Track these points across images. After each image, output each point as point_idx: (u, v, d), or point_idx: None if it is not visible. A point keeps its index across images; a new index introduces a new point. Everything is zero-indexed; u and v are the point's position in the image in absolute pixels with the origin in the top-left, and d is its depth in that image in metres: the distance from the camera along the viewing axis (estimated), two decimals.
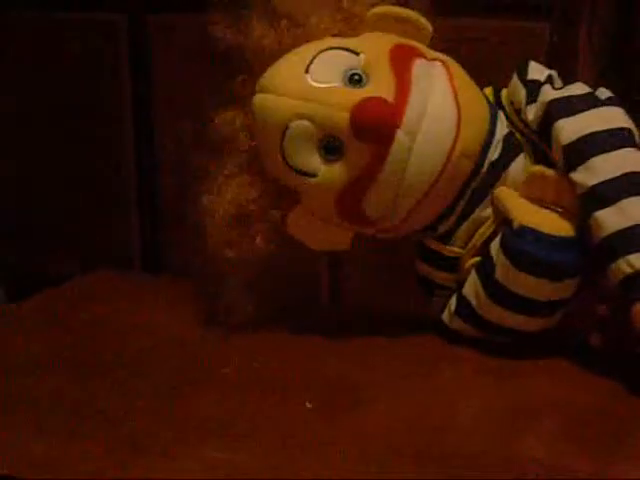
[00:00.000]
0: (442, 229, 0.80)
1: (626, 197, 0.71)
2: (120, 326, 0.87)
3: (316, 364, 0.78)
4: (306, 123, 0.76)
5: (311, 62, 0.77)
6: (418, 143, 0.74)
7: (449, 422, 0.68)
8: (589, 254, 0.73)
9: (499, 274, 0.76)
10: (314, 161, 0.77)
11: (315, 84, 0.76)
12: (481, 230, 0.79)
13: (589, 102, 0.76)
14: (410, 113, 0.74)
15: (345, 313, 0.94)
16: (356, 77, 0.76)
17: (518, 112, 0.79)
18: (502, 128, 0.80)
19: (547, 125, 0.76)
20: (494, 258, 0.76)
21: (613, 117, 0.75)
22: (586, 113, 0.75)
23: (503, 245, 0.76)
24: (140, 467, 0.61)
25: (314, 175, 0.77)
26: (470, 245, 0.80)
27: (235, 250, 0.81)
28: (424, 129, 0.74)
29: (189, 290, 0.93)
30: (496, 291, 0.76)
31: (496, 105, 0.81)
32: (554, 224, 0.74)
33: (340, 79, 0.76)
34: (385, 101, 0.74)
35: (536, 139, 0.78)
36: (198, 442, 0.64)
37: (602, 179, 0.72)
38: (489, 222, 0.79)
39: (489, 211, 0.79)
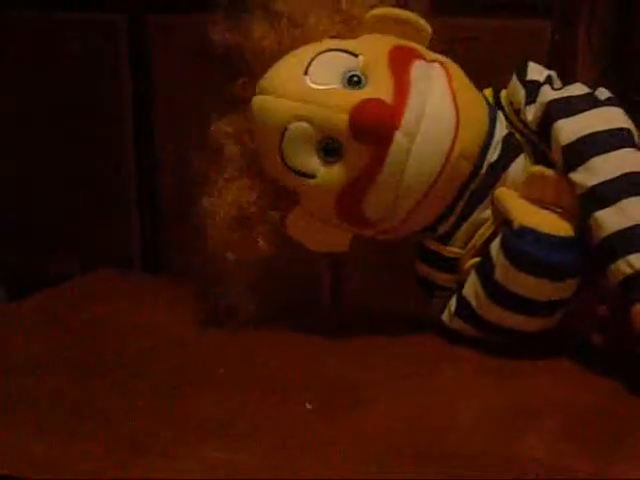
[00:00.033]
0: (442, 230, 0.80)
1: (626, 197, 0.71)
2: (120, 326, 0.87)
3: (316, 364, 0.78)
4: (305, 125, 0.76)
5: (310, 64, 0.77)
6: (417, 144, 0.74)
7: (449, 422, 0.68)
8: (589, 254, 0.73)
9: (499, 274, 0.76)
10: (313, 162, 0.77)
11: (314, 86, 0.76)
12: (481, 231, 0.79)
13: (588, 102, 0.76)
14: (408, 114, 0.74)
15: (345, 313, 0.94)
16: (355, 79, 0.76)
17: (517, 113, 0.79)
18: (501, 129, 0.80)
19: (546, 125, 0.76)
20: (494, 258, 0.76)
21: (612, 117, 0.75)
22: (585, 113, 0.75)
23: (503, 245, 0.76)
24: (140, 467, 0.61)
25: (313, 176, 0.77)
26: (470, 245, 0.80)
27: (236, 252, 0.81)
28: (422, 130, 0.74)
29: (189, 290, 0.93)
30: (496, 291, 0.76)
31: (495, 106, 0.81)
32: (554, 224, 0.74)
33: (339, 81, 0.76)
34: (383, 103, 0.74)
35: (536, 139, 0.78)
36: (198, 442, 0.64)
37: (602, 179, 0.72)
38: (489, 223, 0.79)
39: (489, 212, 0.79)
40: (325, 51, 0.78)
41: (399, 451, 0.63)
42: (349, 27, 0.81)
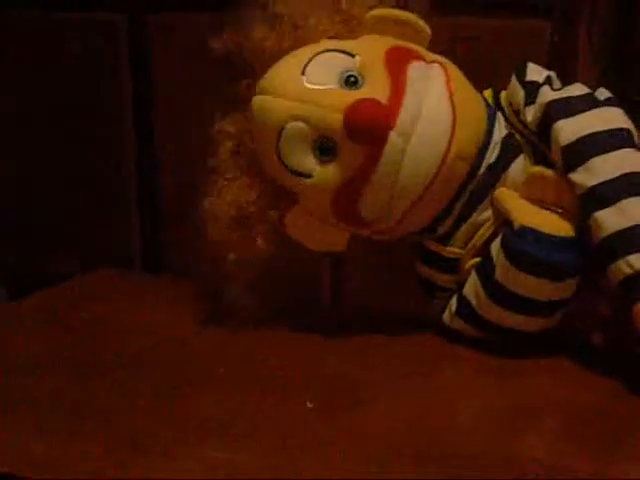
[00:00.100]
0: (441, 230, 0.80)
1: (626, 197, 0.71)
2: (120, 326, 0.87)
3: (316, 363, 0.78)
4: (301, 124, 0.76)
5: (307, 64, 0.78)
6: (412, 145, 0.74)
7: (449, 422, 0.68)
8: (589, 254, 0.73)
9: (499, 274, 0.76)
10: (309, 162, 0.77)
11: (310, 86, 0.77)
12: (481, 231, 0.79)
13: (588, 103, 0.76)
14: (404, 115, 0.74)
15: (346, 313, 0.94)
16: (352, 79, 0.76)
17: (517, 113, 0.79)
18: (500, 130, 0.80)
19: (546, 126, 0.76)
20: (494, 259, 0.76)
21: (612, 118, 0.75)
22: (585, 114, 0.75)
23: (503, 246, 0.76)
24: (140, 467, 0.61)
25: (309, 176, 0.77)
26: (470, 246, 0.80)
27: (236, 251, 0.81)
28: (418, 131, 0.74)
29: (189, 290, 0.93)
30: (496, 291, 0.76)
31: (495, 107, 0.81)
32: (554, 224, 0.74)
33: (336, 81, 0.77)
34: (378, 103, 0.74)
35: (535, 140, 0.78)
36: (198, 442, 0.64)
37: (601, 180, 0.71)
38: (489, 223, 0.79)
39: (489, 213, 0.79)
40: (323, 51, 0.78)
41: (399, 451, 0.63)
42: (349, 27, 0.81)
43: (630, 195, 0.71)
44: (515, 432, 0.66)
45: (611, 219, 0.71)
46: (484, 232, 0.79)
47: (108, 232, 1.09)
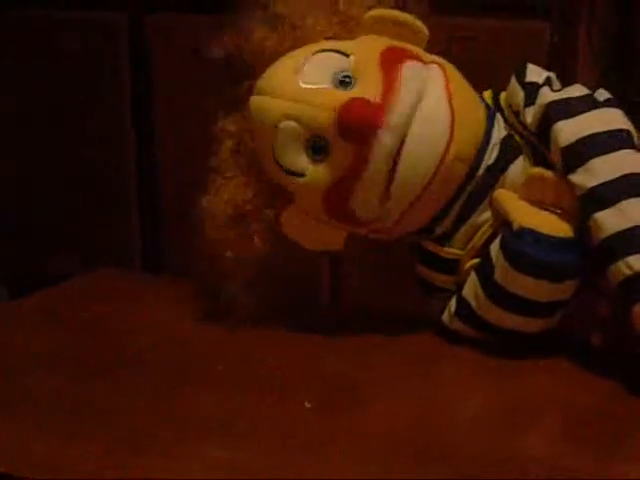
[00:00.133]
0: (439, 231, 0.80)
1: (625, 198, 0.70)
2: (120, 326, 0.87)
3: (316, 363, 0.78)
4: (293, 124, 0.77)
5: (303, 65, 0.78)
6: (409, 145, 0.74)
7: (449, 422, 0.68)
8: (588, 255, 0.73)
9: (498, 275, 0.76)
10: (302, 161, 0.77)
11: (304, 86, 0.77)
12: (480, 232, 0.79)
13: (588, 104, 0.76)
14: (394, 114, 0.74)
15: (345, 312, 0.94)
16: (346, 79, 0.77)
17: (517, 114, 0.79)
18: (500, 131, 0.80)
19: (546, 127, 0.76)
20: (493, 259, 0.76)
21: (612, 119, 0.75)
22: (585, 115, 0.75)
23: (503, 246, 0.76)
24: (140, 467, 0.61)
25: (302, 175, 0.78)
26: (469, 246, 0.80)
27: (233, 250, 0.82)
28: (416, 131, 0.74)
29: (189, 290, 0.93)
30: (495, 292, 0.76)
31: (495, 108, 0.81)
32: (553, 225, 0.74)
33: (330, 81, 0.77)
34: (368, 102, 0.74)
35: (535, 141, 0.78)
36: (198, 442, 0.64)
37: (601, 181, 0.71)
38: (488, 224, 0.79)
39: (488, 214, 0.79)
40: (318, 52, 0.79)
41: (399, 451, 0.63)
42: (347, 28, 0.81)
43: (630, 196, 0.71)
44: (515, 432, 0.66)
45: (611, 220, 0.71)
46: (483, 233, 0.79)
47: (108, 232, 1.09)
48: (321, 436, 0.65)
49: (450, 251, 0.81)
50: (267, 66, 0.80)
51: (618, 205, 0.70)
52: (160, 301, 0.93)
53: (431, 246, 0.81)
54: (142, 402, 0.71)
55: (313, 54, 0.79)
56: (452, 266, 0.81)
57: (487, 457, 0.62)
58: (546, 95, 0.76)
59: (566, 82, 0.79)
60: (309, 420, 0.68)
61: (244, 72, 0.82)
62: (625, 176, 0.71)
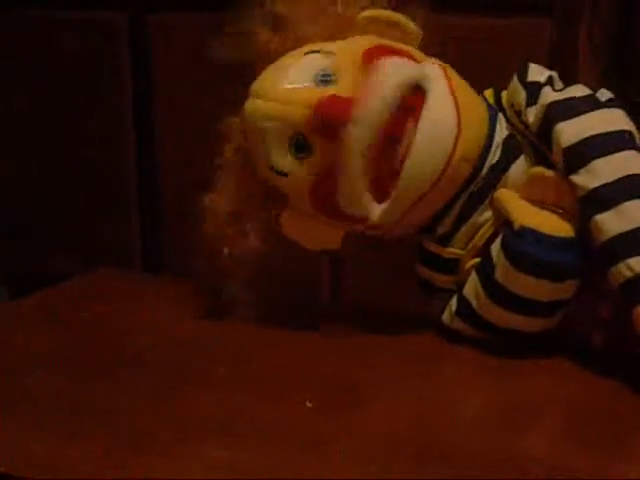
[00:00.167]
0: (440, 231, 0.80)
1: (626, 200, 0.70)
2: (120, 326, 0.87)
3: (316, 363, 0.78)
4: (277, 124, 0.78)
5: (291, 66, 0.79)
6: (416, 145, 0.74)
7: (449, 421, 0.68)
8: (589, 255, 0.73)
9: (499, 275, 0.76)
10: (287, 161, 0.78)
11: (287, 86, 0.78)
12: (481, 231, 0.79)
13: (589, 104, 0.75)
14: (365, 108, 0.75)
15: (345, 311, 0.94)
16: (326, 78, 0.78)
17: (518, 114, 0.79)
18: (502, 131, 0.80)
19: (547, 128, 0.76)
20: (494, 259, 0.76)
21: (614, 119, 0.75)
22: (586, 115, 0.74)
23: (504, 246, 0.75)
24: (140, 467, 0.61)
25: (288, 174, 0.79)
26: (470, 246, 0.80)
27: (230, 247, 0.82)
28: (424, 130, 0.74)
29: (189, 290, 0.93)
30: (496, 292, 0.76)
31: (497, 107, 0.81)
32: (555, 225, 0.74)
33: (312, 80, 0.78)
34: (340, 98, 0.75)
35: (536, 141, 0.78)
36: (198, 442, 0.64)
37: (603, 182, 0.71)
38: (489, 224, 0.79)
39: (489, 214, 0.79)
40: (307, 53, 0.80)
41: (399, 450, 0.63)
42: (342, 29, 0.82)
43: (631, 198, 0.70)
44: (515, 432, 0.66)
45: (612, 222, 0.70)
46: (484, 232, 0.79)
47: (108, 232, 1.09)
48: (321, 436, 0.65)
49: (451, 251, 0.80)
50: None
51: (619, 207, 0.70)
52: (160, 301, 0.93)
53: (432, 247, 0.81)
54: (142, 402, 0.71)
55: (301, 56, 0.80)
56: (453, 266, 0.81)
57: (487, 457, 0.62)
58: (548, 95, 0.76)
59: (566, 81, 0.79)
60: (309, 420, 0.68)
61: (242, 71, 0.82)
62: (626, 177, 0.71)
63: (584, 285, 0.75)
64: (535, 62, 0.80)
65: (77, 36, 1.06)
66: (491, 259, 0.77)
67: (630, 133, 0.74)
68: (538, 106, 0.76)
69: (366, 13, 0.82)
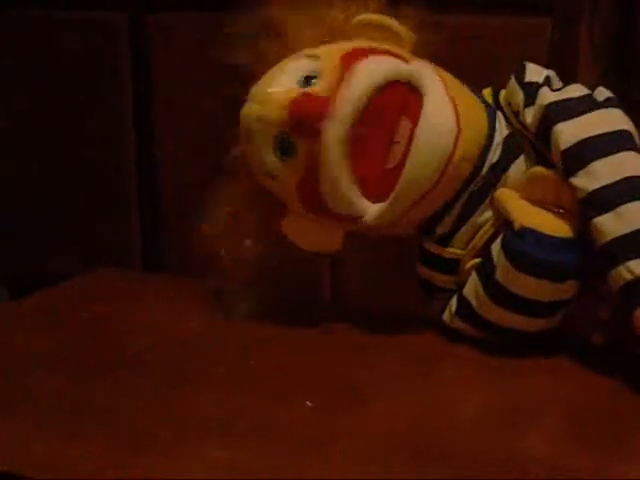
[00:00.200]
0: (440, 231, 0.80)
1: (626, 202, 0.70)
2: (120, 326, 0.87)
3: (316, 363, 0.78)
4: (262, 126, 0.79)
5: (280, 70, 0.80)
6: (415, 145, 0.74)
7: (449, 421, 0.68)
8: (590, 255, 0.73)
9: (499, 275, 0.76)
10: (275, 162, 0.79)
11: (273, 89, 0.79)
12: (482, 231, 0.79)
13: (587, 104, 0.75)
14: (339, 104, 0.75)
15: (346, 312, 0.94)
16: (309, 79, 0.78)
17: (516, 114, 0.79)
18: (502, 130, 0.80)
19: (546, 129, 0.75)
20: (495, 259, 0.76)
21: (612, 119, 0.75)
22: (584, 116, 0.74)
23: (504, 246, 0.75)
24: (140, 467, 0.61)
25: (276, 175, 0.79)
26: (470, 246, 0.80)
27: (230, 249, 0.83)
28: (423, 130, 0.74)
29: (189, 290, 0.93)
30: (497, 292, 0.76)
31: (495, 106, 0.81)
32: (555, 225, 0.74)
33: (296, 82, 0.79)
34: (313, 95, 0.76)
35: (535, 142, 0.78)
36: (198, 442, 0.64)
37: (602, 184, 0.71)
38: (489, 224, 0.79)
39: (489, 214, 0.79)
40: (296, 58, 0.81)
41: (399, 450, 0.63)
42: (337, 33, 0.83)
43: (631, 199, 0.70)
44: (515, 432, 0.66)
45: (611, 224, 0.70)
46: (485, 232, 0.79)
47: (108, 232, 1.09)
48: (321, 436, 0.65)
49: (451, 251, 0.80)
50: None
51: (619, 209, 0.70)
52: (160, 301, 0.93)
53: (433, 247, 0.81)
54: (142, 402, 0.71)
55: (291, 61, 0.81)
56: (453, 266, 0.81)
57: (487, 457, 0.62)
58: (545, 96, 0.76)
59: (566, 81, 0.79)
60: (309, 420, 0.68)
61: (242, 71, 0.83)
62: (626, 179, 0.71)
63: (584, 285, 0.75)
64: (535, 62, 0.80)
65: (77, 36, 1.07)
66: (491, 259, 0.77)
67: (629, 133, 0.74)
68: (536, 107, 0.76)
69: (360, 18, 0.82)
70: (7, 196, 1.13)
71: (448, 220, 0.80)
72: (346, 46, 0.80)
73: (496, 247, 0.77)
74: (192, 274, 0.96)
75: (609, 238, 0.70)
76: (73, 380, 0.74)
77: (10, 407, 0.70)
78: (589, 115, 0.74)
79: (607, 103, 0.76)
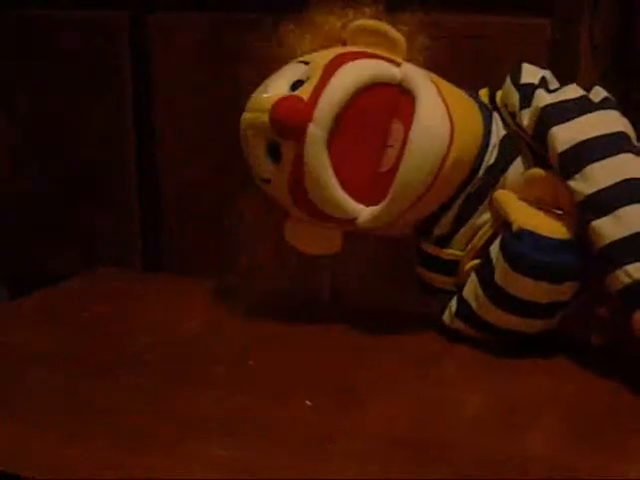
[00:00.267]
0: (437, 232, 0.80)
1: (623, 205, 0.70)
2: (120, 325, 0.87)
3: (316, 362, 0.78)
4: (254, 131, 0.80)
5: (273, 78, 0.81)
6: (409, 150, 0.74)
7: (449, 421, 0.68)
8: (588, 257, 0.73)
9: (498, 277, 0.76)
10: (267, 167, 0.80)
11: (265, 95, 0.80)
12: (480, 232, 0.79)
13: (583, 106, 0.75)
14: (319, 107, 0.76)
15: (345, 312, 0.94)
16: (297, 84, 0.79)
17: (513, 115, 0.79)
18: (499, 131, 0.80)
19: (542, 131, 0.75)
20: (494, 261, 0.76)
21: (608, 121, 0.74)
22: (580, 118, 0.74)
23: (502, 248, 0.75)
24: (140, 467, 0.61)
25: (269, 180, 0.80)
26: (469, 247, 0.80)
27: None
28: (415, 137, 0.74)
29: (189, 290, 0.93)
30: (496, 293, 0.76)
31: (492, 107, 0.81)
32: (553, 227, 0.74)
33: (286, 89, 0.79)
34: (297, 99, 0.77)
35: (532, 143, 0.78)
36: (198, 442, 0.64)
37: (600, 187, 0.71)
38: (488, 225, 0.79)
39: (488, 215, 0.79)
40: (292, 64, 0.81)
41: (398, 450, 0.63)
42: (333, 40, 0.83)
43: (628, 202, 0.70)
44: (514, 432, 0.66)
45: (609, 228, 0.70)
46: (484, 234, 0.79)
47: (108, 232, 1.09)
48: (321, 436, 0.65)
49: (450, 252, 0.80)
50: None
51: (617, 212, 0.70)
52: (160, 301, 0.93)
53: (430, 248, 0.81)
54: (142, 402, 0.71)
55: (285, 69, 0.81)
56: (452, 267, 0.81)
57: (487, 457, 0.62)
58: (541, 98, 0.76)
59: (566, 81, 0.78)
60: (309, 420, 0.68)
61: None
62: (624, 181, 0.71)
63: (583, 286, 0.75)
64: (534, 63, 0.80)
65: (77, 36, 1.07)
66: (490, 261, 0.77)
67: (625, 135, 0.74)
68: (532, 109, 0.76)
69: (354, 24, 0.83)
70: (7, 196, 1.13)
71: (445, 221, 0.80)
72: (338, 51, 0.81)
73: (495, 248, 0.77)
74: (192, 274, 0.96)
75: (607, 241, 0.70)
76: (73, 380, 0.74)
77: (10, 407, 0.70)
78: (585, 117, 0.74)
79: (603, 104, 0.76)
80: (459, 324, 0.80)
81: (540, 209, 0.75)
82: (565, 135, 0.73)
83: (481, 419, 0.69)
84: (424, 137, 0.74)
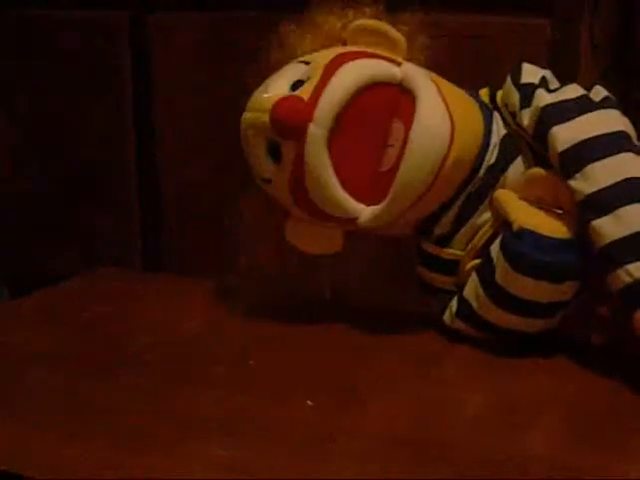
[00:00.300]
0: (437, 232, 0.80)
1: (623, 205, 0.70)
2: (120, 325, 0.87)
3: (316, 362, 0.78)
4: (254, 131, 0.80)
5: (273, 78, 0.81)
6: (410, 150, 0.74)
7: (449, 421, 0.68)
8: (589, 256, 0.73)
9: (499, 276, 0.76)
10: (268, 167, 0.80)
11: (265, 95, 0.80)
12: (481, 232, 0.79)
13: (584, 106, 0.75)
14: (319, 107, 0.76)
15: (345, 311, 0.94)
16: (297, 84, 0.79)
17: (513, 115, 0.79)
18: (499, 131, 0.80)
19: (543, 131, 0.75)
20: (494, 260, 0.76)
21: (609, 120, 0.74)
22: (581, 118, 0.74)
23: (503, 247, 0.75)
24: (140, 467, 0.61)
25: (270, 180, 0.80)
26: (470, 247, 0.80)
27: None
28: (416, 137, 0.74)
29: (189, 289, 0.93)
30: (496, 293, 0.76)
31: (492, 106, 0.81)
32: (553, 226, 0.74)
33: (287, 89, 0.79)
34: (298, 99, 0.77)
35: (532, 143, 0.78)
36: (198, 442, 0.64)
37: (600, 186, 0.71)
38: (489, 224, 0.79)
39: (489, 214, 0.79)
40: (292, 64, 0.81)
41: (398, 450, 0.63)
42: (334, 40, 0.83)
43: (628, 202, 0.70)
44: (515, 432, 0.66)
45: (610, 227, 0.70)
46: (484, 233, 0.79)
47: (108, 232, 1.09)
48: (321, 436, 0.65)
49: (450, 252, 0.80)
50: None
51: (617, 211, 0.70)
52: (160, 301, 0.93)
53: (430, 248, 0.81)
54: (142, 402, 0.71)
55: (285, 69, 0.81)
56: (452, 267, 0.81)
57: (487, 457, 0.62)
58: (542, 97, 0.76)
59: (566, 81, 0.78)
60: (309, 420, 0.68)
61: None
62: (624, 181, 0.71)
63: (583, 286, 0.75)
64: (535, 62, 0.80)
65: (77, 36, 1.07)
66: (491, 260, 0.77)
67: (625, 134, 0.74)
68: (532, 109, 0.76)
69: (355, 24, 0.83)
70: (7, 196, 1.13)
71: (445, 221, 0.80)
72: (338, 50, 0.81)
73: (495, 248, 0.77)
74: (192, 274, 0.96)
75: (608, 241, 0.70)
76: (73, 380, 0.74)
77: (10, 407, 0.70)
78: (586, 117, 0.74)
79: (604, 104, 0.76)
80: (459, 324, 0.80)
81: (540, 209, 0.75)
82: (565, 134, 0.73)
83: (481, 419, 0.69)
84: (425, 137, 0.74)
